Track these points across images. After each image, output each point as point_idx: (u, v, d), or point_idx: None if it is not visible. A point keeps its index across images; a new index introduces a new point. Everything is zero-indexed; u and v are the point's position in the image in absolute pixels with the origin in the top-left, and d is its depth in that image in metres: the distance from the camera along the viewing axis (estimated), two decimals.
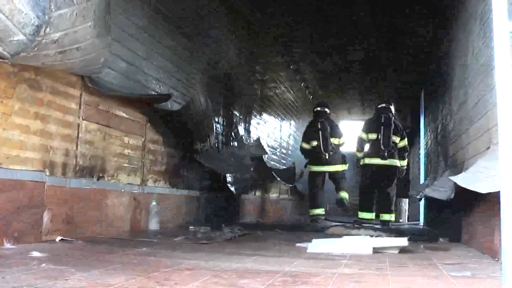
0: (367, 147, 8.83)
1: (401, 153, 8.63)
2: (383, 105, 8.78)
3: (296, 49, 11.00)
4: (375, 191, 8.69)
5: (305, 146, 9.44)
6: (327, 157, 8.85)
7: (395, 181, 8.68)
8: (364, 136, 8.71)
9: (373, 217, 8.65)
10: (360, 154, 8.83)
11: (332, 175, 9.32)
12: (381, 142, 8.29)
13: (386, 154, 8.27)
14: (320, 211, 9.20)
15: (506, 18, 1.51)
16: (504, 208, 1.34)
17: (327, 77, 13.32)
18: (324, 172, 9.28)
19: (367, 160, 8.62)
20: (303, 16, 8.86)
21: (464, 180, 4.00)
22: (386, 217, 8.57)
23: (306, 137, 9.50)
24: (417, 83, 11.56)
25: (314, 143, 9.10)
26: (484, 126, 4.21)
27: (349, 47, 10.56)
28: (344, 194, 9.30)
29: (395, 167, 8.52)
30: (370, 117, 9.26)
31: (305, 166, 9.79)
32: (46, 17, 3.36)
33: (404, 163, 8.77)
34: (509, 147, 1.40)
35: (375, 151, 8.46)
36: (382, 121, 8.43)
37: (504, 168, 1.37)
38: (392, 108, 8.80)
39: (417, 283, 2.74)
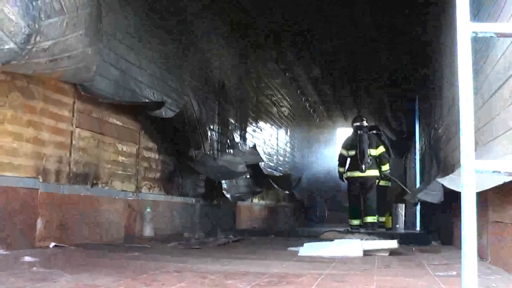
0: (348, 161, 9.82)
1: (380, 161, 9.57)
2: (358, 123, 9.84)
3: (290, 54, 11.00)
4: (360, 199, 9.53)
5: (344, 153, 9.92)
6: (363, 168, 9.35)
7: (374, 187, 9.56)
8: (344, 153, 9.77)
9: (361, 223, 9.42)
10: (342, 169, 9.81)
11: (365, 184, 9.47)
12: (359, 158, 9.35)
13: (364, 167, 9.30)
14: (357, 222, 9.46)
15: (468, 18, 1.57)
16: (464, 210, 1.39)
17: (322, 84, 13.35)
18: (359, 179, 9.50)
19: (349, 174, 9.59)
20: (302, 16, 8.81)
21: (451, 181, 4.05)
22: (368, 219, 9.31)
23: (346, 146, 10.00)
24: (412, 89, 11.58)
25: (352, 152, 9.63)
26: None
27: (342, 54, 10.54)
28: (371, 218, 9.36)
29: (374, 176, 9.50)
30: (348, 135, 10.19)
31: (341, 177, 10.03)
32: (37, 25, 3.42)
33: (385, 167, 9.64)
34: (470, 144, 1.45)
35: (355, 165, 9.48)
36: (358, 139, 9.53)
37: (464, 165, 1.42)
38: (366, 123, 9.93)
39: (401, 282, 2.78)
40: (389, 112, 13.44)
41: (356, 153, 9.41)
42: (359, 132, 9.62)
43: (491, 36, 1.60)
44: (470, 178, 1.41)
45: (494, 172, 1.43)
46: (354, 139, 9.66)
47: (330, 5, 8.21)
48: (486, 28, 1.56)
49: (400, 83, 11.39)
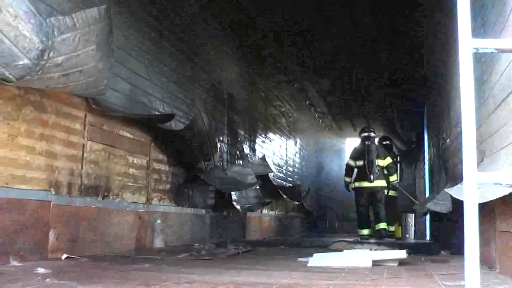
0: (355, 172, 9.87)
1: (388, 171, 9.68)
2: (365, 134, 9.90)
3: (296, 67, 11.03)
4: (369, 209, 9.61)
5: (351, 163, 9.91)
6: (371, 178, 9.40)
7: (383, 198, 9.63)
8: (352, 163, 9.82)
9: (371, 232, 9.49)
10: (348, 179, 9.89)
11: (374, 195, 9.48)
12: (367, 168, 9.40)
13: (372, 177, 9.36)
14: (366, 231, 9.49)
15: (470, 34, 1.62)
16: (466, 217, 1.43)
17: (330, 95, 13.38)
18: (367, 189, 9.51)
19: (357, 184, 9.63)
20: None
21: (458, 191, 4.08)
22: (381, 225, 9.35)
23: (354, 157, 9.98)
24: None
25: (359, 163, 9.65)
26: (478, 140, 4.30)
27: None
28: (383, 225, 9.39)
29: (382, 187, 9.58)
30: (356, 145, 10.24)
31: (347, 187, 10.05)
32: (50, 41, 3.51)
33: (393, 178, 9.79)
34: (472, 157, 1.49)
35: (362, 176, 9.53)
36: (367, 149, 9.57)
37: (466, 177, 1.46)
38: (373, 133, 9.96)
39: None
40: (396, 117, 13.41)
41: (364, 163, 9.45)
42: (366, 142, 9.67)
43: (492, 52, 1.65)
44: (472, 190, 1.45)
45: (496, 184, 1.48)
46: (362, 150, 9.69)
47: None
48: (487, 44, 1.61)
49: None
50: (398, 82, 11.19)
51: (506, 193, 2.65)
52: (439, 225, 7.81)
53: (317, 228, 15.98)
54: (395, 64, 10.29)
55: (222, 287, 2.85)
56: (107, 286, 2.79)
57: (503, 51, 1.64)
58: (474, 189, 1.44)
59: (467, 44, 1.61)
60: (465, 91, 1.57)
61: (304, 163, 15.80)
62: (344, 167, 10.21)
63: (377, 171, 9.35)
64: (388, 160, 9.62)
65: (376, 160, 9.44)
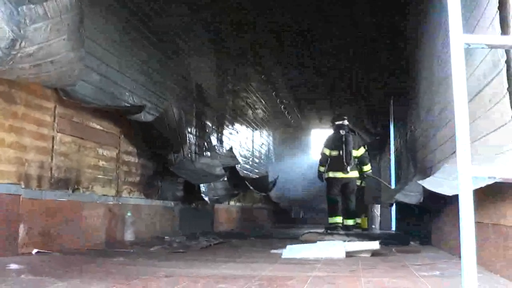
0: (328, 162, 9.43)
1: (361, 162, 9.42)
2: (340, 122, 9.44)
3: (266, 59, 11.04)
4: (339, 199, 9.28)
5: (327, 153, 9.42)
6: (348, 169, 9.12)
7: (356, 189, 9.43)
8: (327, 152, 9.31)
9: (341, 221, 9.18)
10: (322, 168, 9.39)
11: (347, 186, 9.26)
12: (344, 159, 9.08)
13: (348, 168, 9.05)
14: (338, 219, 9.19)
15: (461, 30, 1.64)
16: (462, 211, 1.45)
17: (297, 86, 13.44)
18: (341, 180, 9.24)
19: (331, 174, 9.24)
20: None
21: (431, 183, 4.15)
22: (349, 222, 9.15)
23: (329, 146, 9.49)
24: (386, 91, 11.71)
25: (334, 153, 9.26)
26: (450, 132, 4.38)
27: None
28: (351, 222, 9.19)
29: (355, 178, 9.37)
30: (330, 134, 9.69)
31: (320, 177, 9.57)
32: (21, 31, 3.41)
33: (367, 167, 9.52)
34: (466, 152, 1.51)
35: (338, 166, 9.15)
36: (343, 139, 9.18)
37: (460, 171, 1.48)
38: (347, 121, 9.47)
39: (387, 282, 2.85)
40: (366, 112, 13.54)
41: (339, 153, 9.09)
42: (341, 131, 9.25)
43: (483, 48, 1.68)
44: (467, 184, 1.47)
45: (489, 178, 1.51)
46: (337, 139, 9.24)
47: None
48: (478, 40, 1.63)
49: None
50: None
51: (483, 184, 2.69)
52: (407, 216, 7.94)
53: (291, 218, 16.07)
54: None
55: (203, 281, 2.84)
56: (86, 282, 2.74)
57: (494, 46, 1.67)
58: (469, 182, 1.46)
59: (458, 39, 1.62)
60: (458, 87, 1.59)
61: (270, 154, 15.85)
62: (312, 157, 10.06)
63: (352, 162, 9.11)
64: (362, 150, 9.38)
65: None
